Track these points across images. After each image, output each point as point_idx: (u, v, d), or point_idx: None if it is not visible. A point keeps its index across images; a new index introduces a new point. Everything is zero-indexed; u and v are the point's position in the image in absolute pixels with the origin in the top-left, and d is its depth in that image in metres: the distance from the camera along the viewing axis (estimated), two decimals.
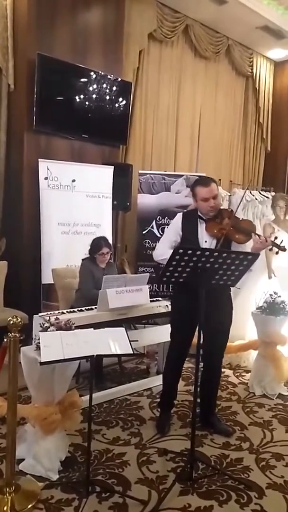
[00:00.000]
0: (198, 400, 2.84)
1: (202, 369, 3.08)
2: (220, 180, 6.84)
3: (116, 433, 2.96)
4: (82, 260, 3.82)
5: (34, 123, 4.43)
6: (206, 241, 2.80)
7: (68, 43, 4.75)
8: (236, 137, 7.46)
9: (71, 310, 3.38)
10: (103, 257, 3.77)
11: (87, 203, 4.72)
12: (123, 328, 2.31)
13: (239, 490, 2.40)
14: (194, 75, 6.59)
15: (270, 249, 2.73)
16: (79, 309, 3.39)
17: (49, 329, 2.42)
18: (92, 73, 4.86)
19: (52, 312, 3.29)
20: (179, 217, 2.95)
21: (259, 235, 2.73)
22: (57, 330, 2.41)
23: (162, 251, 2.83)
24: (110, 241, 4.94)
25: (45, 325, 2.46)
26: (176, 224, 2.93)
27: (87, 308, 3.41)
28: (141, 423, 3.11)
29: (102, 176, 4.83)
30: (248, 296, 4.23)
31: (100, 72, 4.93)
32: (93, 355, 2.06)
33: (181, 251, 2.23)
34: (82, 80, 4.80)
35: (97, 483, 2.39)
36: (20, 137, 4.52)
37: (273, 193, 5.86)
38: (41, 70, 4.41)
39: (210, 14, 6.01)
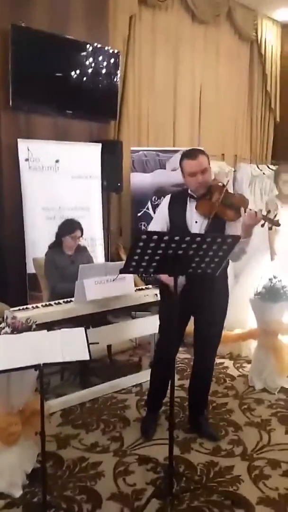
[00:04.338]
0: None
1: (193, 363, 2.82)
2: (223, 154, 6.45)
3: (95, 437, 2.69)
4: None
5: (10, 100, 4.09)
6: (196, 222, 2.47)
7: (47, 11, 4.35)
8: (242, 107, 6.96)
9: (47, 303, 3.10)
10: (74, 241, 3.45)
11: (73, 185, 4.38)
12: (83, 329, 2.00)
13: (225, 507, 2.10)
14: (192, 41, 6.09)
15: (262, 225, 2.37)
16: (56, 302, 3.10)
17: (3, 331, 2.13)
18: (74, 43, 4.46)
19: (25, 307, 3.01)
20: (166, 200, 2.62)
21: (250, 210, 2.37)
22: (12, 331, 2.12)
23: None
24: (101, 224, 4.67)
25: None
26: (162, 210, 2.61)
27: (65, 300, 3.12)
28: (124, 425, 2.83)
29: (88, 155, 4.47)
30: (249, 280, 3.88)
31: (83, 41, 4.53)
32: (40, 364, 1.75)
33: (144, 237, 1.89)
34: (63, 51, 4.41)
35: (62, 500, 2.13)
36: None
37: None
38: (16, 42, 4.04)
39: None
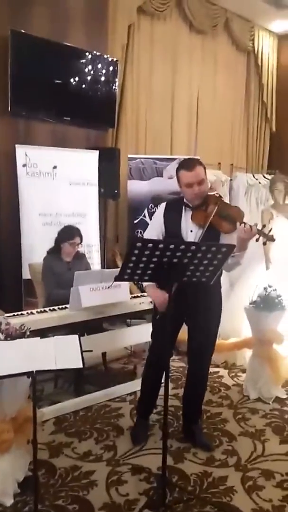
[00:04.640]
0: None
1: (187, 372, 2.80)
2: (219, 163, 6.48)
3: (88, 446, 2.67)
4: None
5: (9, 106, 4.10)
6: (191, 231, 2.47)
7: (47, 18, 4.38)
8: (238, 117, 7.01)
9: (42, 310, 3.08)
10: (72, 247, 3.45)
11: (71, 192, 4.38)
12: (77, 336, 1.99)
13: None
14: (190, 51, 6.14)
15: (257, 240, 2.37)
16: (51, 308, 3.08)
17: None
18: (73, 50, 4.49)
19: (20, 313, 2.99)
20: (161, 208, 2.61)
21: (245, 224, 2.36)
22: (5, 337, 2.11)
23: None
24: (98, 231, 4.67)
25: None
26: (158, 217, 2.60)
27: (60, 307, 3.11)
28: (118, 434, 2.80)
29: (86, 162, 4.48)
30: (244, 289, 3.88)
31: (82, 49, 4.56)
32: (33, 372, 1.74)
33: (139, 244, 1.89)
34: (62, 58, 4.43)
35: (54, 510, 2.10)
36: None
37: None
38: (16, 48, 4.06)
39: None
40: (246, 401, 3.28)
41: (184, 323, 2.66)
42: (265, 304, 3.28)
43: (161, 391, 2.61)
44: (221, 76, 6.59)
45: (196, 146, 6.36)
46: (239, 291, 4.02)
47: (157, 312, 2.51)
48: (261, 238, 2.37)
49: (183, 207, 2.51)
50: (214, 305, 2.60)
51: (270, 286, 3.33)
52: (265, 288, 3.33)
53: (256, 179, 5.92)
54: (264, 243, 2.44)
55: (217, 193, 2.53)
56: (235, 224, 2.40)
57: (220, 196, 2.52)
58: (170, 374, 2.89)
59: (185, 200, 2.53)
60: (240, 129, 7.07)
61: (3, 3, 4.08)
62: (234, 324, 3.93)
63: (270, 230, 2.45)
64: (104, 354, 3.67)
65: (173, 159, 5.04)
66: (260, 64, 7.01)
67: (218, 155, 6.56)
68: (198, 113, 6.37)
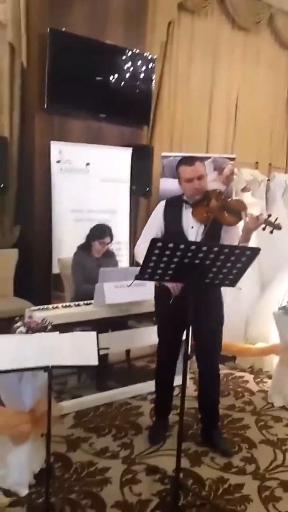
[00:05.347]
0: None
1: (198, 374, 2.76)
2: (257, 163, 6.33)
3: (105, 442, 2.68)
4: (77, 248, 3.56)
5: (45, 102, 4.17)
6: (192, 227, 2.49)
7: (86, 16, 4.40)
8: (279, 116, 6.80)
9: (67, 304, 3.12)
10: (102, 246, 3.48)
11: (102, 188, 4.41)
12: (95, 333, 1.99)
13: None
14: (231, 48, 6.00)
15: (264, 229, 2.37)
16: (76, 303, 3.12)
17: (18, 330, 2.15)
18: (111, 48, 4.50)
19: (45, 306, 3.03)
20: (161, 205, 2.63)
21: (250, 214, 2.41)
22: (27, 330, 2.15)
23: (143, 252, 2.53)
24: (128, 229, 4.67)
25: (15, 325, 2.20)
26: (157, 215, 2.61)
27: (85, 302, 3.13)
28: (136, 433, 2.80)
29: (119, 159, 4.49)
30: (276, 293, 3.77)
31: (120, 46, 4.56)
32: (49, 366, 1.76)
33: (159, 244, 1.87)
34: (99, 55, 4.44)
35: (66, 503, 2.12)
36: (31, 118, 4.28)
37: None
38: (53, 46, 4.10)
39: None
40: (270, 408, 3.20)
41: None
42: None
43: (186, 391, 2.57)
44: (262, 73, 6.42)
45: (234, 144, 6.24)
46: (270, 295, 3.92)
47: (172, 296, 2.45)
48: (267, 227, 2.39)
49: (183, 204, 2.53)
50: (214, 301, 2.58)
51: None
52: None
53: None
54: (271, 232, 2.42)
55: (217, 189, 2.53)
56: (239, 216, 2.44)
57: (221, 191, 2.53)
58: (190, 376, 2.85)
59: (184, 197, 2.55)
60: (281, 128, 6.87)
61: (43, 2, 4.13)
62: (262, 329, 3.84)
63: (276, 219, 2.41)
64: (128, 352, 3.67)
65: (207, 158, 4.96)
66: None
67: (256, 154, 6.41)
68: (237, 111, 6.23)
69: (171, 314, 2.44)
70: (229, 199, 2.54)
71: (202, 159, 2.52)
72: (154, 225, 2.59)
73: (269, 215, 2.41)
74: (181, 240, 2.30)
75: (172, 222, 2.51)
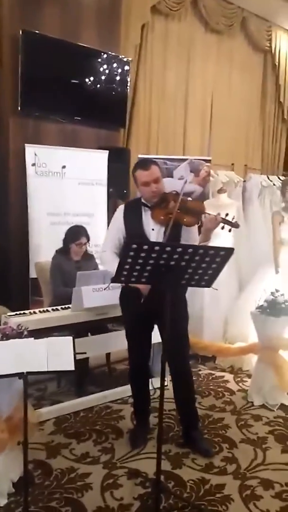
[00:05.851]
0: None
1: (169, 372, 2.70)
2: (233, 164, 6.39)
3: (86, 448, 2.65)
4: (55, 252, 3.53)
5: (19, 105, 4.12)
6: (153, 229, 2.51)
7: (58, 18, 4.38)
8: (254, 118, 6.92)
9: (45, 309, 3.08)
10: (79, 247, 3.46)
11: (79, 191, 4.38)
12: (71, 338, 1.97)
13: None
14: (205, 51, 6.09)
15: (222, 228, 2.42)
16: (54, 308, 3.08)
17: None
18: (84, 50, 4.48)
19: (22, 312, 2.98)
20: (120, 210, 2.65)
21: (209, 214, 2.46)
22: (2, 337, 2.10)
23: (108, 257, 2.56)
24: (106, 231, 4.64)
25: None
26: (117, 220, 2.62)
27: (63, 307, 3.10)
28: (117, 437, 2.78)
29: (95, 162, 4.47)
30: (253, 292, 3.81)
31: (94, 48, 4.54)
32: (23, 373, 1.72)
33: (134, 246, 1.86)
34: (73, 57, 4.42)
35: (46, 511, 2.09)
36: (5, 121, 4.22)
37: None
38: (26, 47, 4.07)
39: None
40: (250, 407, 3.22)
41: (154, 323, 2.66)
42: (271, 309, 3.20)
43: (167, 394, 2.51)
44: (236, 76, 6.51)
45: (210, 146, 6.29)
46: (248, 295, 3.95)
47: (142, 296, 2.44)
48: (225, 226, 2.43)
49: (142, 207, 2.55)
50: (180, 298, 2.59)
51: (277, 291, 3.26)
52: (272, 293, 3.26)
53: (271, 181, 5.81)
54: (229, 230, 2.47)
55: (174, 191, 2.55)
56: (198, 216, 2.50)
57: (178, 193, 2.54)
58: (170, 379, 2.84)
59: (142, 200, 2.57)
60: (255, 130, 6.98)
61: (15, 3, 4.09)
62: (241, 328, 3.87)
63: (233, 218, 2.46)
64: (108, 355, 3.65)
65: (184, 160, 4.99)
66: (277, 64, 6.92)
67: (232, 155, 6.48)
68: (212, 114, 6.31)
69: (141, 314, 2.44)
70: (187, 200, 2.56)
71: (156, 163, 2.53)
72: (116, 229, 2.60)
73: (226, 214, 2.45)
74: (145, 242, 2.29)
75: (133, 225, 2.52)
